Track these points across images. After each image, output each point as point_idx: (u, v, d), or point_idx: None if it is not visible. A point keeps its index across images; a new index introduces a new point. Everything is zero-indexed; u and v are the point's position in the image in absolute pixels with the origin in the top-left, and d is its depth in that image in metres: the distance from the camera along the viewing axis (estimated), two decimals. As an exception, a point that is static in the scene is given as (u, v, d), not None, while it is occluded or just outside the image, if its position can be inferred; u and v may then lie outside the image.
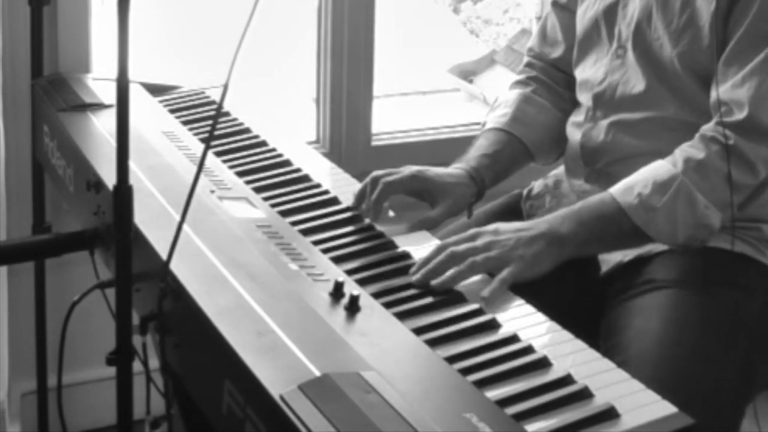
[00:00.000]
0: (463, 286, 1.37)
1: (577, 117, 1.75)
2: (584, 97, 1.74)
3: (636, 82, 1.64)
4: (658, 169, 1.51)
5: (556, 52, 1.86)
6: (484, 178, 1.71)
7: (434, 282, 1.36)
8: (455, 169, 1.70)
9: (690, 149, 1.51)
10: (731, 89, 1.51)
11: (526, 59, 1.91)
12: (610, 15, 1.69)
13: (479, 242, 1.43)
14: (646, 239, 1.51)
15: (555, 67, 1.87)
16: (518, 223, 1.49)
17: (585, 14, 1.75)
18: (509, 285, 1.39)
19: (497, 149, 1.77)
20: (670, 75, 1.60)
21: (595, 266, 1.64)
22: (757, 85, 1.49)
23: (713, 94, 1.54)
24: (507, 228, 1.47)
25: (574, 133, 1.74)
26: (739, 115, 1.49)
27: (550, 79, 1.86)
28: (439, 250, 1.41)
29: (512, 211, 1.80)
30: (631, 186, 1.50)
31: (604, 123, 1.68)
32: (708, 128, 1.52)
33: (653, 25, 1.62)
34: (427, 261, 1.40)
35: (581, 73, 1.76)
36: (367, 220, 1.56)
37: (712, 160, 1.48)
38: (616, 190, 1.51)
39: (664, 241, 1.51)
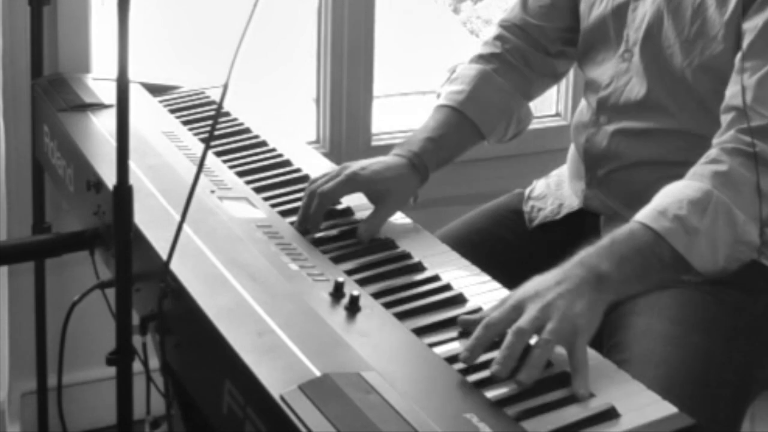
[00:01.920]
0: (461, 282, 1.37)
1: (583, 118, 1.73)
2: (591, 99, 1.71)
3: (639, 88, 1.61)
4: (685, 188, 1.39)
5: (539, 22, 1.79)
6: (427, 164, 1.65)
7: (521, 378, 1.15)
8: (395, 157, 1.64)
9: (713, 164, 1.40)
10: (747, 95, 1.42)
11: (496, 31, 1.82)
12: (619, 16, 1.65)
13: (534, 311, 1.24)
14: (686, 268, 1.37)
15: (531, 41, 1.79)
16: (550, 275, 1.31)
17: (591, 11, 1.71)
18: (586, 356, 1.21)
19: (444, 132, 1.70)
20: (680, 84, 1.57)
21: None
22: None
23: (725, 101, 1.47)
24: (545, 284, 1.29)
25: (578, 136, 1.72)
26: (761, 121, 1.40)
27: (520, 59, 1.79)
28: (490, 329, 1.22)
29: (513, 210, 1.80)
30: (664, 210, 1.37)
31: (608, 129, 1.65)
32: (726, 139, 1.43)
33: (664, 33, 1.58)
34: (481, 339, 1.21)
35: (588, 72, 1.73)
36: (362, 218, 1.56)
37: (738, 172, 1.39)
38: (645, 216, 1.37)
39: (705, 267, 1.38)
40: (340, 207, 1.60)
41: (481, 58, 1.81)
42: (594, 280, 1.29)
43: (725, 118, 1.45)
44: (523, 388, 1.14)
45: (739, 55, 1.46)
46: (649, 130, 1.61)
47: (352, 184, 1.57)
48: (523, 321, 1.22)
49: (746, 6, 1.48)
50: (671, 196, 1.38)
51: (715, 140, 1.44)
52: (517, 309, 1.25)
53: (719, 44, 1.51)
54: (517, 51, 1.80)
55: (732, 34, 1.50)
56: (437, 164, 1.67)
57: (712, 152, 1.42)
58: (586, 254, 1.33)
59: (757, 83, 1.43)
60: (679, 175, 1.43)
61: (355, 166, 1.60)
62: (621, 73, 1.65)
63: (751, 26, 1.46)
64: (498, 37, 1.82)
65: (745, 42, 1.46)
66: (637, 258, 1.33)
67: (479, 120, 1.74)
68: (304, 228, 1.52)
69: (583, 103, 1.76)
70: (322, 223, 1.52)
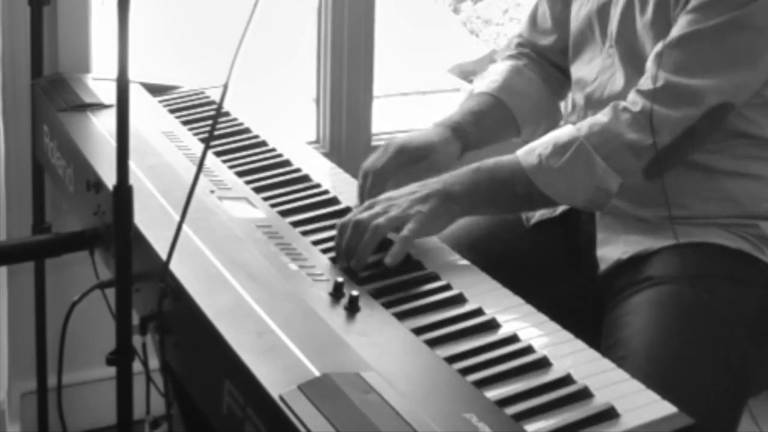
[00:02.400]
0: (460, 282, 1.37)
1: (572, 117, 1.75)
2: (578, 97, 1.74)
3: (619, 80, 1.64)
4: (562, 131, 1.53)
5: (546, 41, 1.85)
6: (468, 133, 1.72)
7: (353, 264, 1.39)
8: (437, 127, 1.71)
9: (598, 115, 1.52)
10: (657, 57, 1.51)
11: (515, 41, 1.90)
12: (603, 13, 1.69)
13: (377, 208, 1.46)
14: (542, 202, 1.53)
15: (543, 56, 1.86)
16: (411, 186, 1.51)
17: (579, 12, 1.74)
18: (412, 242, 1.42)
19: (483, 110, 1.77)
20: None
21: (594, 266, 1.64)
22: (683, 55, 1.49)
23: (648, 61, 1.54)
24: (400, 192, 1.49)
25: None
26: (657, 83, 1.49)
27: (543, 59, 1.86)
28: (342, 228, 1.43)
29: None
30: (534, 147, 1.52)
31: None
32: (627, 99, 1.52)
33: (637, 23, 1.61)
34: (339, 244, 1.43)
35: (576, 71, 1.76)
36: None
37: (615, 125, 1.49)
38: (521, 150, 1.53)
39: (563, 202, 1.54)
40: (340, 207, 1.60)
41: (510, 56, 1.87)
42: (444, 195, 1.47)
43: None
44: (341, 268, 1.38)
45: (672, 21, 1.53)
46: None
47: (401, 156, 1.64)
48: (364, 215, 1.44)
49: None
50: (547, 136, 1.53)
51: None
52: (370, 207, 1.47)
53: (675, 29, 1.54)
54: (539, 53, 1.87)
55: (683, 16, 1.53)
56: (477, 137, 1.74)
57: (607, 107, 1.53)
58: (450, 174, 1.51)
59: (673, 45, 1.50)
60: None
61: (399, 139, 1.67)
62: (606, 69, 1.67)
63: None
64: (519, 44, 1.89)
65: (679, 19, 1.52)
66: (491, 186, 1.51)
67: (514, 106, 1.79)
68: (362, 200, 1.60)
69: (571, 103, 1.79)
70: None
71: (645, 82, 1.51)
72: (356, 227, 1.42)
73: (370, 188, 1.60)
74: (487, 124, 1.76)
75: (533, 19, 1.88)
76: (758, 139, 1.59)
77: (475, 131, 1.73)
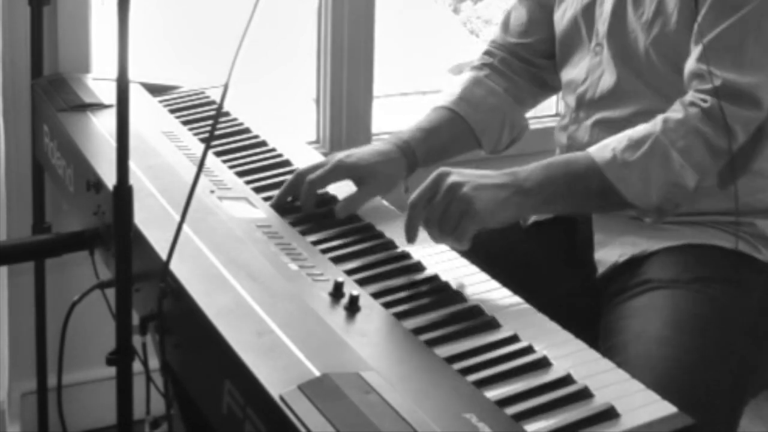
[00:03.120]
0: (460, 282, 1.37)
1: (563, 120, 1.76)
2: (569, 99, 1.73)
3: (610, 78, 1.64)
4: (636, 128, 1.49)
5: (519, 39, 1.83)
6: (416, 151, 1.68)
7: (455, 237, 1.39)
8: (384, 144, 1.69)
9: (669, 112, 1.49)
10: (704, 60, 1.49)
11: (486, 48, 1.88)
12: (588, 13, 1.69)
13: (442, 188, 1.40)
14: (615, 200, 1.47)
15: (515, 55, 1.84)
16: (482, 171, 1.45)
17: (564, 15, 1.74)
18: (472, 235, 1.40)
19: (435, 126, 1.74)
20: (645, 67, 1.60)
21: (591, 268, 1.64)
22: (730, 51, 1.48)
23: (686, 70, 1.52)
24: (470, 172, 1.43)
25: (560, 137, 1.75)
26: (716, 82, 1.46)
27: (508, 68, 1.83)
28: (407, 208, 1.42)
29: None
30: (607, 143, 1.48)
31: (587, 123, 1.68)
32: (687, 96, 1.50)
33: (628, 19, 1.61)
34: (411, 220, 1.42)
35: (566, 75, 1.76)
36: (365, 220, 1.57)
37: (690, 120, 1.46)
38: (593, 147, 1.49)
39: (637, 201, 1.46)
40: (327, 197, 1.60)
41: (473, 68, 1.85)
42: (515, 188, 1.42)
43: (687, 82, 1.52)
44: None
45: (697, 21, 1.50)
46: (625, 117, 1.63)
47: (337, 171, 1.60)
48: (422, 195, 1.40)
49: None
50: (620, 134, 1.48)
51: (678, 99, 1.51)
52: (435, 184, 1.41)
53: (673, 19, 1.55)
54: (505, 62, 1.84)
55: (685, 9, 1.53)
56: (426, 152, 1.70)
57: (675, 103, 1.50)
58: (523, 168, 1.45)
59: (712, 45, 1.48)
60: None
61: (340, 154, 1.64)
62: (595, 67, 1.67)
63: None
64: (487, 53, 1.87)
65: (701, 7, 1.51)
66: (565, 181, 1.45)
67: (471, 118, 1.77)
68: (280, 206, 1.57)
69: (562, 106, 1.79)
70: (313, 209, 1.57)
71: (701, 84, 1.48)
72: (413, 207, 1.41)
73: (305, 196, 1.57)
74: (438, 139, 1.73)
75: (506, 24, 1.86)
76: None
77: (424, 148, 1.69)
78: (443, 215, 1.40)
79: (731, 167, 1.49)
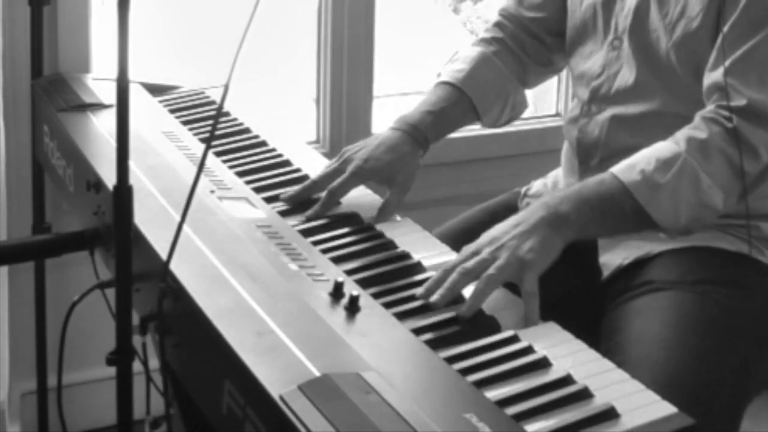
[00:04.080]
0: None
1: (572, 113, 1.74)
2: (581, 91, 1.72)
3: (629, 75, 1.63)
4: (661, 148, 1.47)
5: (532, 14, 1.83)
6: (427, 135, 1.70)
7: (461, 312, 1.29)
8: (394, 131, 1.70)
9: (692, 130, 1.47)
10: (729, 75, 1.48)
11: (496, 18, 1.87)
12: (608, 5, 1.67)
13: (485, 254, 1.37)
14: (647, 222, 1.46)
15: (527, 30, 1.84)
16: (510, 220, 1.43)
17: (583, 1, 1.72)
18: (534, 285, 1.34)
19: (443, 107, 1.75)
20: (665, 67, 1.59)
21: (595, 270, 1.63)
22: (756, 69, 1.47)
23: (707, 80, 1.51)
24: (503, 229, 1.41)
25: (570, 130, 1.73)
26: (740, 101, 1.45)
27: (517, 45, 1.84)
28: (448, 272, 1.35)
29: (510, 209, 1.80)
30: (634, 164, 1.46)
31: (599, 117, 1.67)
32: (707, 111, 1.49)
33: (651, 18, 1.60)
34: (439, 282, 1.34)
35: (577, 65, 1.75)
36: (366, 220, 1.57)
37: (714, 140, 1.45)
38: (618, 168, 1.47)
39: (667, 223, 1.45)
40: (340, 207, 1.60)
41: (482, 41, 1.85)
42: (551, 219, 1.40)
43: (707, 94, 1.51)
44: (463, 318, 1.28)
45: (722, 32, 1.49)
46: (640, 115, 1.62)
47: (358, 178, 1.62)
48: (471, 261, 1.36)
49: None
50: (646, 153, 1.47)
51: (699, 113, 1.50)
52: (477, 252, 1.38)
53: (696, 21, 1.54)
54: (515, 38, 1.84)
55: (711, 11, 1.53)
56: (435, 136, 1.72)
57: (697, 120, 1.49)
58: (552, 196, 1.45)
59: (738, 61, 1.47)
60: None
61: (357, 159, 1.64)
62: (612, 62, 1.66)
63: (730, 5, 1.50)
64: (497, 24, 1.86)
65: (725, 22, 1.50)
66: (599, 204, 1.43)
67: (477, 98, 1.78)
68: (314, 218, 1.57)
69: (573, 99, 1.78)
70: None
71: (722, 100, 1.47)
72: (465, 274, 1.34)
73: (321, 207, 1.57)
74: (446, 120, 1.75)
75: None
76: None
77: (433, 132, 1.71)
78: (498, 270, 1.34)
79: (754, 182, 1.49)
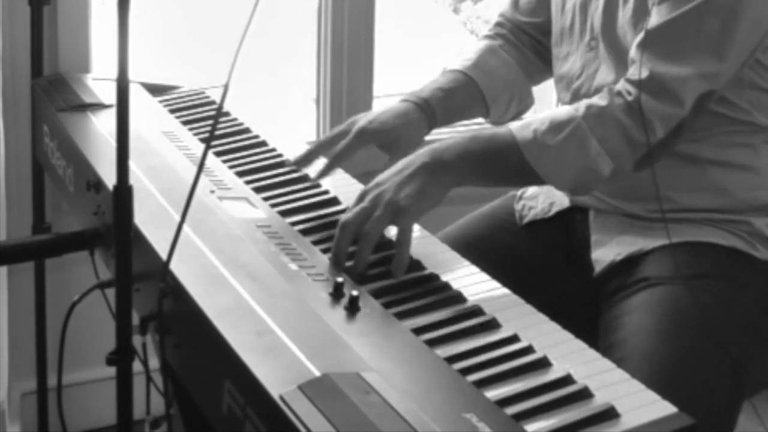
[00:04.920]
0: (459, 282, 1.37)
1: None
2: (563, 95, 1.73)
3: (607, 74, 1.64)
4: (559, 110, 1.51)
5: (528, 18, 1.85)
6: (435, 110, 1.70)
7: (350, 272, 1.36)
8: (403, 102, 1.69)
9: (595, 98, 1.51)
10: (642, 45, 1.50)
11: (496, 20, 1.90)
12: (585, 7, 1.69)
13: (366, 202, 1.42)
14: (533, 178, 1.50)
15: (524, 31, 1.86)
16: (399, 163, 1.47)
17: (564, 5, 1.73)
18: (407, 233, 1.39)
19: (453, 87, 1.75)
20: None
21: (588, 268, 1.64)
22: (666, 43, 1.49)
23: (630, 52, 1.53)
24: (387, 174, 1.45)
25: None
26: (644, 73, 1.48)
27: (519, 41, 1.86)
28: (339, 229, 1.40)
29: (507, 211, 1.80)
30: (529, 123, 1.50)
31: None
32: (618, 84, 1.51)
33: (618, 16, 1.61)
34: (334, 245, 1.40)
35: (557, 68, 1.76)
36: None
37: (612, 110, 1.48)
38: (515, 124, 1.51)
39: (552, 181, 1.51)
40: (340, 207, 1.60)
41: (487, 36, 1.87)
42: (434, 166, 1.44)
43: (629, 63, 1.52)
44: (356, 274, 1.35)
45: (652, 9, 1.51)
46: None
47: (362, 138, 1.62)
48: (349, 215, 1.41)
49: None
50: (544, 113, 1.51)
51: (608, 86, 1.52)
52: (361, 199, 1.43)
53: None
54: (516, 36, 1.86)
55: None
56: (444, 112, 1.72)
57: (603, 90, 1.52)
58: (440, 143, 1.48)
59: (654, 33, 1.49)
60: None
61: (362, 120, 1.65)
62: (590, 62, 1.67)
63: None
64: (498, 24, 1.89)
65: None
66: (485, 156, 1.48)
67: (484, 86, 1.79)
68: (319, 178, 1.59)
69: (557, 101, 1.79)
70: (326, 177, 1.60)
71: (633, 72, 1.50)
72: (343, 229, 1.40)
73: (324, 170, 1.58)
74: (455, 101, 1.75)
75: (515, 0, 1.88)
76: (743, 124, 1.58)
77: (442, 108, 1.71)
78: (372, 213, 1.41)
79: (648, 155, 1.50)
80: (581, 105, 1.50)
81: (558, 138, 1.47)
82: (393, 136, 1.63)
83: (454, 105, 1.74)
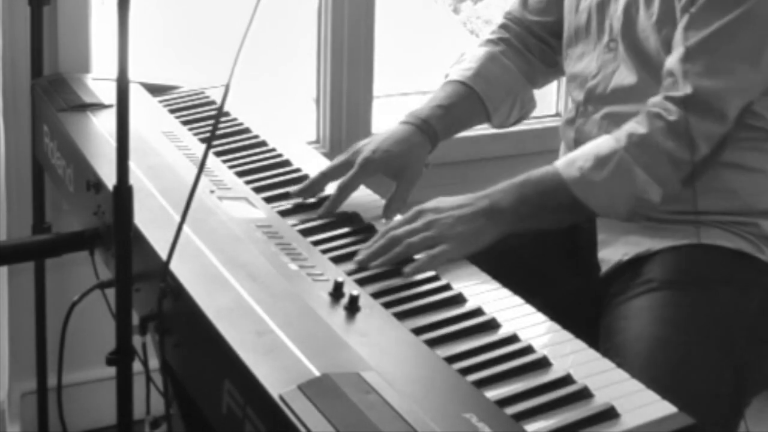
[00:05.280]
0: (460, 282, 1.37)
1: (568, 115, 1.75)
2: (576, 93, 1.73)
3: (627, 75, 1.64)
4: (601, 143, 1.52)
5: (537, 17, 1.85)
6: (436, 129, 1.71)
7: (373, 263, 1.40)
8: (403, 125, 1.70)
9: (634, 124, 1.51)
10: (682, 61, 1.50)
11: (501, 21, 1.90)
12: (602, 8, 1.68)
13: (419, 223, 1.46)
14: (586, 213, 1.52)
15: (532, 33, 1.86)
16: (460, 198, 1.50)
17: (579, 4, 1.73)
18: (440, 263, 1.41)
19: (453, 102, 1.76)
20: (658, 66, 1.59)
21: (595, 267, 1.64)
22: (707, 57, 1.49)
23: (666, 64, 1.53)
24: (447, 204, 1.49)
25: (567, 131, 1.74)
26: (686, 89, 1.48)
27: (523, 45, 1.86)
28: (381, 235, 1.45)
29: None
30: (574, 160, 1.52)
31: (596, 116, 1.68)
32: (653, 102, 1.52)
33: (640, 17, 1.61)
34: (370, 244, 1.44)
35: (571, 67, 1.75)
36: (366, 220, 1.57)
37: (653, 135, 1.49)
38: (561, 162, 1.53)
39: (605, 215, 1.53)
40: (327, 197, 1.60)
41: (489, 41, 1.87)
42: (490, 211, 1.49)
43: (663, 78, 1.53)
44: (358, 266, 1.40)
45: (681, 22, 1.52)
46: (634, 113, 1.62)
47: (367, 169, 1.62)
48: (401, 229, 1.45)
49: None
50: (587, 148, 1.53)
51: (649, 101, 1.53)
52: (415, 218, 1.48)
53: (678, 20, 1.54)
54: (521, 39, 1.86)
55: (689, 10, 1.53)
56: (445, 130, 1.73)
57: (641, 114, 1.53)
58: (497, 188, 1.52)
59: (694, 47, 1.49)
60: None
61: (366, 149, 1.65)
62: (608, 62, 1.67)
63: None
64: (503, 26, 1.88)
65: (692, 10, 1.51)
66: (538, 199, 1.51)
67: (485, 95, 1.79)
68: (326, 215, 1.57)
69: (567, 99, 1.79)
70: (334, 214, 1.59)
71: (673, 88, 1.50)
72: (392, 240, 1.43)
73: (332, 203, 1.58)
74: (456, 115, 1.76)
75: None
76: (756, 130, 1.58)
77: (442, 126, 1.72)
78: (420, 240, 1.44)
79: (693, 171, 1.51)
80: (622, 135, 1.51)
81: (604, 173, 1.49)
82: (398, 164, 1.64)
83: (455, 119, 1.76)
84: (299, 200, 1.61)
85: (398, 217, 1.49)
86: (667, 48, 1.57)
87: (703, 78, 1.48)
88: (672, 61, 1.51)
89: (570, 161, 1.52)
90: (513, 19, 1.88)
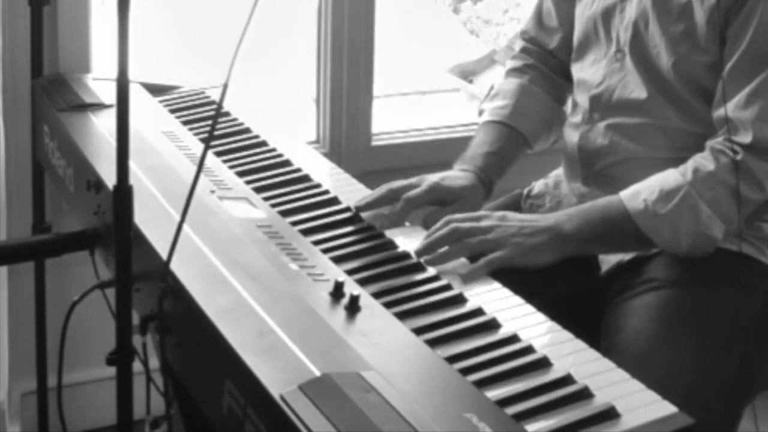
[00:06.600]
0: (460, 282, 1.37)
1: (574, 118, 1.75)
2: (581, 98, 1.73)
3: (635, 88, 1.64)
4: (667, 177, 1.52)
5: (553, 42, 1.87)
6: (492, 177, 1.73)
7: (425, 258, 1.42)
8: (464, 171, 1.72)
9: (701, 160, 1.52)
10: (735, 109, 1.51)
11: (521, 43, 1.92)
12: (607, 16, 1.69)
13: (483, 223, 1.48)
14: (649, 244, 1.52)
15: (549, 51, 1.88)
16: (529, 216, 1.53)
17: (584, 13, 1.74)
18: (494, 268, 1.42)
19: (501, 146, 1.79)
20: (667, 83, 1.60)
21: (595, 266, 1.64)
22: (761, 106, 1.50)
23: (716, 114, 1.54)
24: (514, 216, 1.52)
25: (571, 135, 1.74)
26: (746, 137, 1.50)
27: (546, 66, 1.88)
28: (444, 224, 1.47)
29: (513, 210, 1.80)
30: (639, 192, 1.52)
31: (601, 125, 1.68)
32: (717, 141, 1.52)
33: (650, 32, 1.61)
34: (432, 232, 1.46)
35: (579, 72, 1.76)
36: (365, 221, 1.57)
37: (720, 172, 1.50)
38: (625, 194, 1.54)
39: (667, 248, 1.53)
40: (340, 207, 1.60)
41: (515, 70, 1.89)
42: (554, 231, 1.50)
43: (718, 124, 1.54)
44: (418, 254, 1.43)
45: (728, 65, 1.52)
46: (643, 126, 1.63)
47: (434, 192, 1.64)
48: (466, 224, 1.48)
49: (728, 9, 1.52)
50: (653, 181, 1.53)
51: (708, 142, 1.53)
52: (479, 219, 1.50)
53: (703, 48, 1.55)
54: (543, 60, 1.88)
55: (713, 39, 1.54)
56: (499, 176, 1.77)
57: (706, 150, 1.53)
58: (563, 211, 1.56)
59: (745, 100, 1.51)
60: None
61: (434, 177, 1.68)
62: (614, 72, 1.67)
63: (734, 40, 1.52)
64: (524, 50, 1.91)
65: (730, 56, 1.52)
66: (602, 226, 1.53)
67: (526, 131, 1.83)
68: (387, 225, 1.57)
69: (572, 103, 1.80)
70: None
71: (734, 132, 1.51)
72: (453, 231, 1.46)
73: (398, 215, 1.58)
74: (506, 158, 1.79)
75: (539, 17, 1.89)
76: None
77: (498, 171, 1.75)
78: (481, 234, 1.46)
79: (748, 213, 1.54)
80: (688, 170, 1.51)
81: (669, 206, 1.49)
82: (458, 196, 1.66)
83: (505, 163, 1.79)
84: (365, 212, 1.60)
85: (462, 214, 1.52)
86: (681, 70, 1.58)
87: (762, 125, 1.49)
88: (730, 109, 1.52)
89: (635, 193, 1.53)
90: (531, 40, 1.90)
